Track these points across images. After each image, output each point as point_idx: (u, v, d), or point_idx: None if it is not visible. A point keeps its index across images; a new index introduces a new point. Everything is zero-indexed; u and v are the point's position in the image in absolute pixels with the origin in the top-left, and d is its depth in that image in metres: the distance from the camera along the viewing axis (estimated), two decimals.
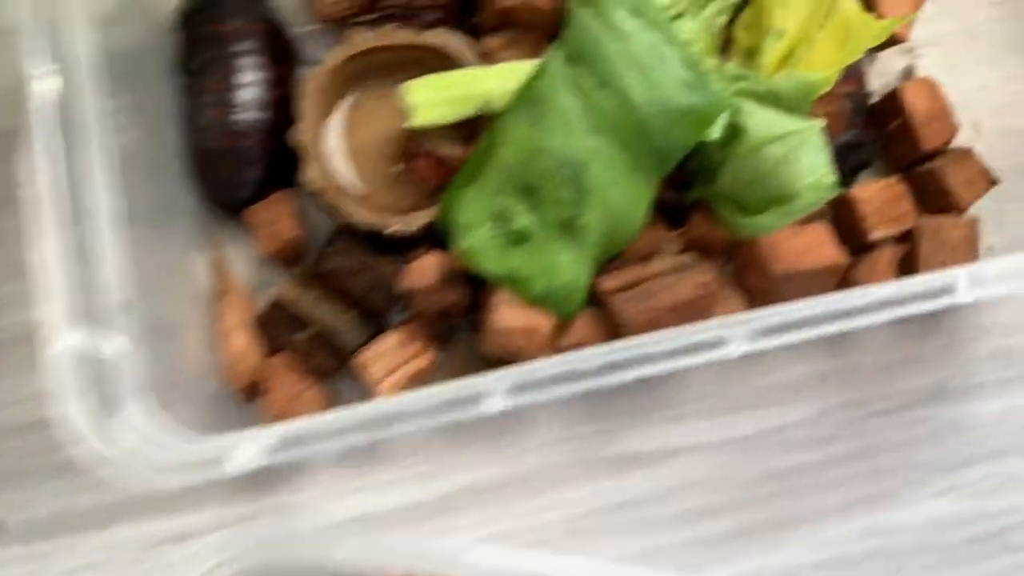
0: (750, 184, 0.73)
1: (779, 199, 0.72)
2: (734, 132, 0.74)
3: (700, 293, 0.75)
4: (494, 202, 0.75)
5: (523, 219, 0.75)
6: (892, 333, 0.84)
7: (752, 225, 0.74)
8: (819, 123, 0.72)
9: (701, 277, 0.76)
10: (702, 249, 0.82)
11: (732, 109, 0.74)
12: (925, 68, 0.89)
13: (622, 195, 0.73)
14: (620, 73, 0.71)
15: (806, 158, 0.71)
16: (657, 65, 0.71)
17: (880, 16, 0.84)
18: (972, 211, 0.83)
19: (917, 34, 0.89)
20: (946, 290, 0.64)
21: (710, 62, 0.76)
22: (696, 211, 0.80)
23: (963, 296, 0.64)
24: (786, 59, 0.76)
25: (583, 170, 0.73)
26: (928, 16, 0.88)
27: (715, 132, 0.73)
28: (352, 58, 0.80)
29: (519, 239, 0.75)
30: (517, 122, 0.74)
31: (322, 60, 0.80)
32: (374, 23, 0.82)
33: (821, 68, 0.75)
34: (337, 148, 0.81)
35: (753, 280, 0.80)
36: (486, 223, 0.75)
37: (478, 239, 0.75)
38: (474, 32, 0.82)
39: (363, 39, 0.80)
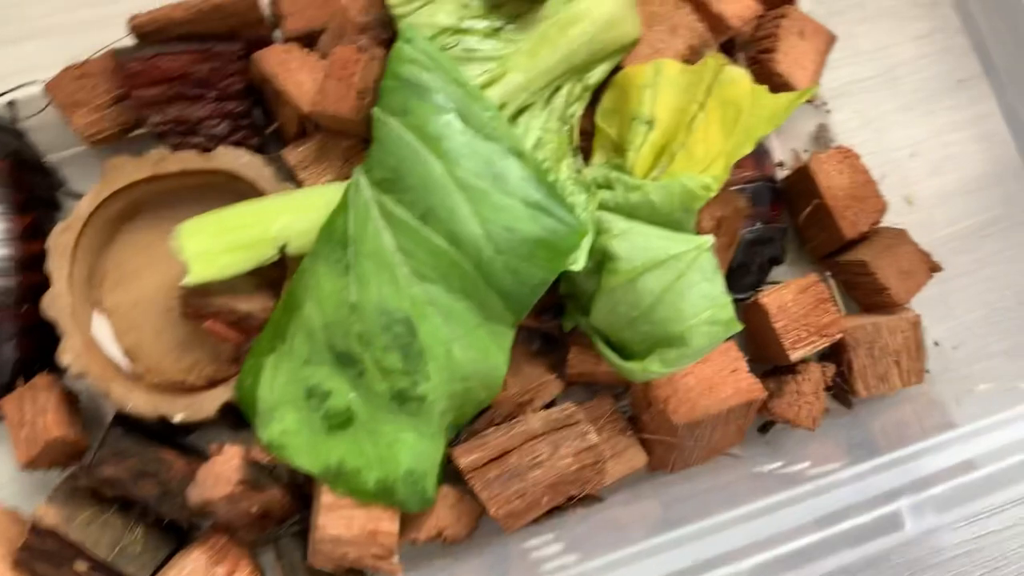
0: (630, 324, 0.57)
1: (666, 341, 0.56)
2: (603, 258, 0.57)
3: (583, 462, 0.59)
4: (305, 374, 0.58)
5: (343, 395, 0.57)
6: None
7: (637, 371, 0.57)
8: (708, 240, 0.55)
9: (582, 441, 0.59)
10: (588, 384, 0.66)
11: (597, 229, 0.58)
12: (839, 126, 0.74)
13: (469, 352, 0.57)
14: (446, 201, 0.54)
15: (695, 288, 0.55)
16: (494, 186, 0.55)
17: (776, 80, 0.68)
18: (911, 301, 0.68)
19: (826, 82, 0.73)
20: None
21: (565, 168, 0.59)
22: (576, 340, 0.64)
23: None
24: (661, 153, 0.60)
25: (412, 328, 0.55)
26: (837, 60, 0.72)
27: (579, 262, 0.56)
28: (116, 195, 0.62)
29: (342, 421, 0.58)
30: (323, 270, 0.57)
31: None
32: (159, 138, 0.64)
33: (706, 162, 0.58)
34: (106, 310, 0.63)
35: (652, 427, 0.63)
36: (297, 402, 0.58)
37: (288, 424, 0.58)
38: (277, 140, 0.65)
39: (124, 170, 0.62)
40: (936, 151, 0.74)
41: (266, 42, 0.67)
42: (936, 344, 0.70)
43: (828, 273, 0.71)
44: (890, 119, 0.74)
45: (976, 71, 0.74)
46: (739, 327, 0.55)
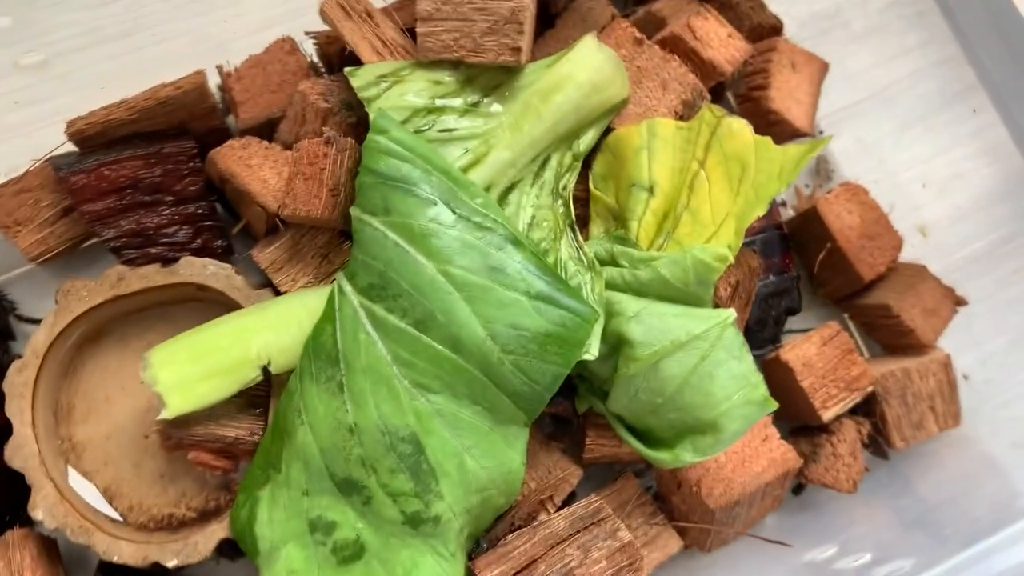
0: (655, 411, 0.52)
1: (698, 428, 0.52)
2: (618, 342, 0.53)
3: (618, 565, 0.54)
4: (306, 506, 0.52)
5: (350, 525, 0.52)
6: None
7: (668, 460, 0.53)
8: (730, 315, 0.51)
9: (614, 540, 0.54)
10: (610, 465, 0.62)
11: (608, 311, 0.53)
12: (839, 155, 0.70)
13: (483, 461, 0.52)
14: (442, 304, 0.49)
15: (723, 368, 0.51)
16: (493, 281, 0.50)
17: (771, 118, 0.63)
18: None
19: (820, 109, 0.69)
20: None
21: (565, 247, 0.55)
22: (592, 421, 0.59)
23: None
24: (664, 218, 0.55)
25: (419, 445, 0.50)
26: (827, 85, 0.68)
27: (593, 351, 0.52)
28: (74, 321, 0.57)
29: (352, 554, 0.52)
30: (313, 390, 0.52)
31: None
32: (114, 252, 0.58)
33: (714, 225, 0.54)
34: (78, 453, 0.58)
35: (685, 509, 0.59)
36: (301, 538, 0.53)
37: (295, 564, 0.52)
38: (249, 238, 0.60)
39: (80, 295, 0.56)
40: (942, 170, 0.70)
41: (220, 133, 0.62)
42: (966, 378, 0.66)
43: (846, 315, 0.67)
44: (890, 141, 0.70)
45: (972, 81, 0.71)
46: (774, 406, 0.51)
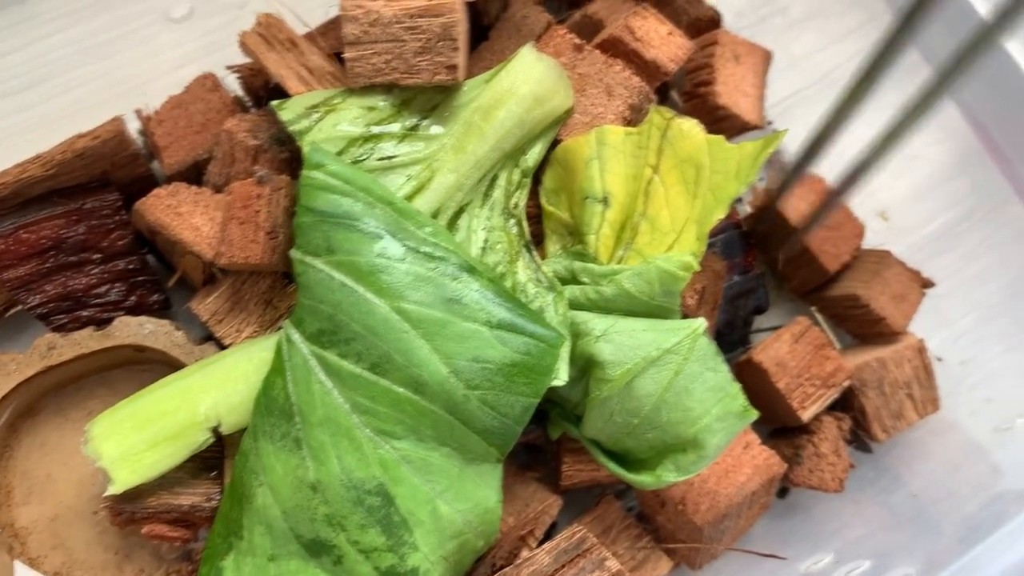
0: (631, 432, 0.50)
1: (678, 446, 0.49)
2: (587, 364, 0.50)
3: None
4: (274, 572, 0.49)
5: None
6: None
7: (650, 482, 0.50)
8: (701, 324, 0.49)
9: (602, 571, 0.52)
10: (589, 488, 0.59)
11: (574, 332, 0.50)
12: (790, 145, 0.68)
13: (457, 504, 0.49)
14: (399, 344, 0.46)
15: (698, 381, 0.49)
16: (450, 314, 0.47)
17: (719, 114, 0.61)
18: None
19: (766, 100, 0.67)
20: None
21: (522, 269, 0.52)
22: (566, 446, 0.57)
23: None
24: (622, 229, 0.53)
25: (388, 496, 0.47)
26: (771, 74, 0.66)
27: (561, 376, 0.49)
28: (4, 399, 0.52)
29: None
30: (268, 449, 0.48)
31: None
32: (42, 319, 0.54)
33: (674, 232, 0.52)
34: (22, 539, 0.54)
35: (671, 527, 0.57)
36: None
37: None
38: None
39: (7, 370, 0.52)
40: (896, 150, 0.69)
41: (146, 180, 0.58)
42: (940, 360, 0.64)
43: (814, 308, 0.65)
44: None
45: (917, 58, 0.69)
46: (755, 415, 0.49)
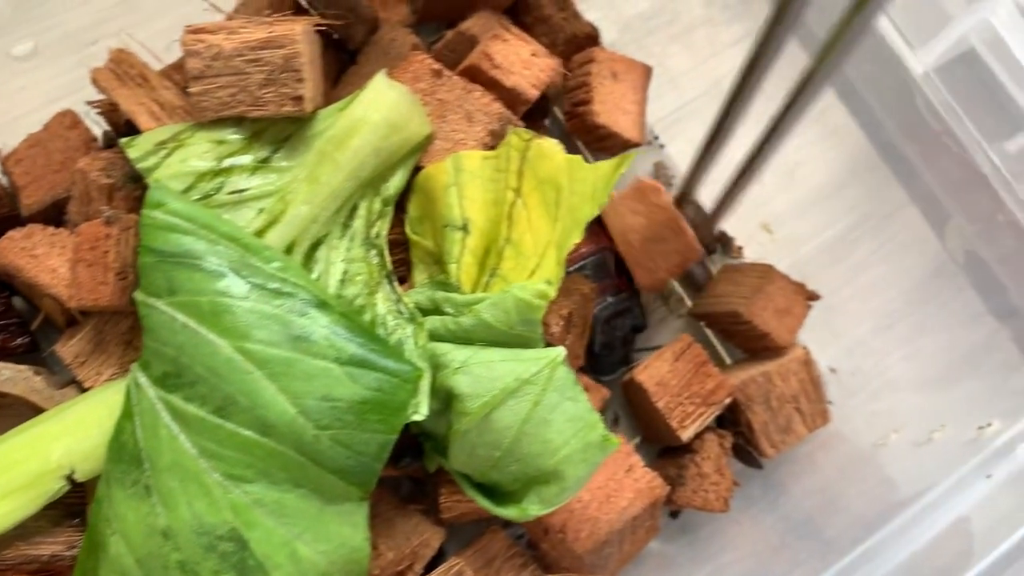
0: (495, 465, 0.49)
1: (540, 478, 0.48)
2: (448, 397, 0.49)
3: None
4: None
5: None
6: None
7: (516, 515, 0.49)
8: (559, 353, 0.48)
9: None
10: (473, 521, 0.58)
11: (434, 364, 0.50)
12: (677, 159, 0.67)
13: (317, 545, 0.48)
14: (243, 386, 0.45)
15: (557, 411, 0.48)
16: (297, 352, 0.46)
17: (600, 132, 0.61)
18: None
19: (652, 114, 0.67)
20: None
21: (382, 301, 0.51)
22: (445, 478, 0.56)
23: None
24: (486, 256, 0.52)
25: (242, 541, 0.46)
26: (657, 88, 0.65)
27: (421, 410, 0.48)
28: None
29: None
30: (120, 496, 0.47)
31: None
32: None
33: (536, 256, 0.51)
34: None
35: (555, 556, 0.56)
36: None
37: None
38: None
39: None
40: (784, 158, 0.68)
41: (11, 221, 0.57)
42: (833, 371, 0.64)
43: (703, 323, 0.64)
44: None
45: (805, 64, 0.69)
46: (616, 444, 0.48)
